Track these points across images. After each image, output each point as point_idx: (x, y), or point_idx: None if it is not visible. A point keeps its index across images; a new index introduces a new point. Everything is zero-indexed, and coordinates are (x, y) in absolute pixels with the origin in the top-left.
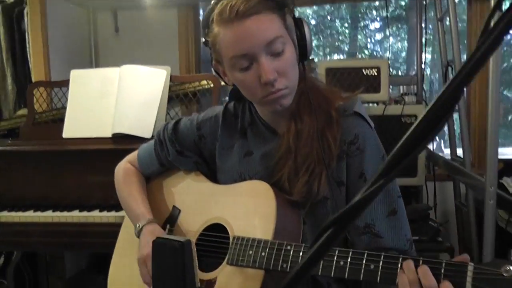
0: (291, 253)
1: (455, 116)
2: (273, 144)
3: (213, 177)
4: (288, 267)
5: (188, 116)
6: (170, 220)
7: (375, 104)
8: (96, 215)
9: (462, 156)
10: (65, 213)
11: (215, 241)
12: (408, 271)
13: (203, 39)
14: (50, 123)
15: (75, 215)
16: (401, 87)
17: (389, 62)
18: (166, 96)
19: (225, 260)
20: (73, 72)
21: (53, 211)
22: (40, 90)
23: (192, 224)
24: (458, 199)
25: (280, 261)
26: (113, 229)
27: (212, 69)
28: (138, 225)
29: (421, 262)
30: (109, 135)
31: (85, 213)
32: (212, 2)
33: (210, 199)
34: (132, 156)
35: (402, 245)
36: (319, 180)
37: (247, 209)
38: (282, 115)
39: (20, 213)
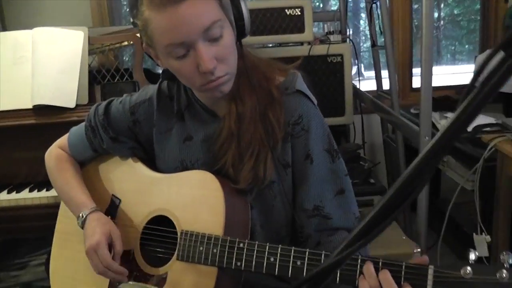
0: (245, 251)
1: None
2: (213, 127)
3: (151, 162)
4: (243, 266)
5: (119, 97)
6: (110, 210)
7: (300, 45)
8: (28, 197)
9: (388, 89)
10: None
11: (161, 235)
12: (369, 277)
13: (131, 20)
14: None
15: (3, 199)
16: (325, 25)
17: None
18: (87, 60)
19: (175, 255)
20: None
21: None
22: None
23: (134, 216)
24: (385, 133)
25: (234, 259)
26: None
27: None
28: (81, 214)
29: (380, 264)
30: (30, 106)
31: (14, 195)
32: None
33: (151, 188)
34: (62, 141)
35: (350, 224)
36: (264, 165)
37: (193, 201)
38: (221, 97)
39: None
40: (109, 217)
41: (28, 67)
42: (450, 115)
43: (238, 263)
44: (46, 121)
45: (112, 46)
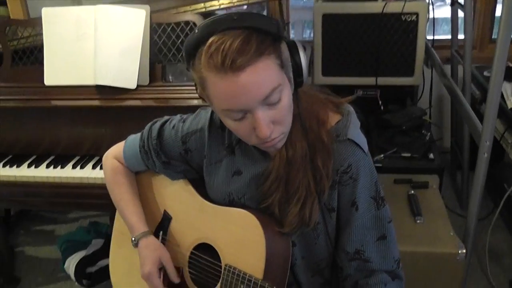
0: None
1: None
2: (263, 166)
3: (201, 185)
4: None
5: (172, 117)
6: (162, 226)
7: (375, 0)
8: (90, 177)
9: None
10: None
11: (207, 262)
12: None
13: (187, 66)
14: (29, 66)
15: (71, 176)
16: None
17: None
18: (148, 40)
19: (218, 285)
20: (44, 10)
21: (46, 167)
22: (12, 29)
23: (183, 238)
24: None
25: None
26: None
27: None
28: (133, 238)
29: None
30: (92, 83)
31: (79, 172)
32: (197, 29)
33: (201, 215)
34: (118, 151)
35: (389, 267)
36: (310, 211)
37: (237, 240)
38: None
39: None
40: (161, 233)
41: (90, 44)
42: None
43: None
44: (107, 104)
45: (174, 25)
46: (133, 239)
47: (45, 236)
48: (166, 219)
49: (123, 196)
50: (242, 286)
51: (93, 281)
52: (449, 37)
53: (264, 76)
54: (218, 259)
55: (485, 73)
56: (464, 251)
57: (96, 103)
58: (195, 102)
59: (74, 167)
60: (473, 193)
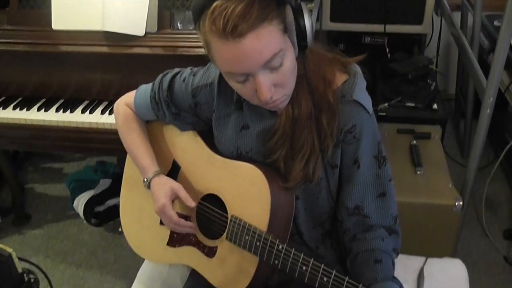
0: (282, 254)
1: None
2: (270, 122)
3: (210, 138)
4: (279, 265)
5: (182, 69)
6: (171, 174)
7: None
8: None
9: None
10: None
11: (214, 212)
12: None
13: (194, 27)
14: (36, 9)
15: (80, 121)
16: None
17: None
18: None
19: (224, 234)
20: None
21: (56, 111)
22: None
23: (192, 188)
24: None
25: (272, 257)
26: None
27: None
28: (145, 179)
29: None
30: (100, 28)
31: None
32: None
33: (209, 167)
34: (129, 99)
35: (387, 223)
36: (314, 167)
37: (244, 193)
38: None
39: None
40: None
41: None
42: None
43: (276, 262)
44: (115, 51)
45: None
46: (145, 179)
47: (53, 174)
48: (175, 168)
49: (135, 141)
50: (247, 237)
51: (101, 220)
52: None
53: (266, 42)
54: (225, 210)
55: (496, 23)
56: (461, 203)
57: (104, 49)
58: (203, 51)
59: (83, 111)
60: (474, 146)
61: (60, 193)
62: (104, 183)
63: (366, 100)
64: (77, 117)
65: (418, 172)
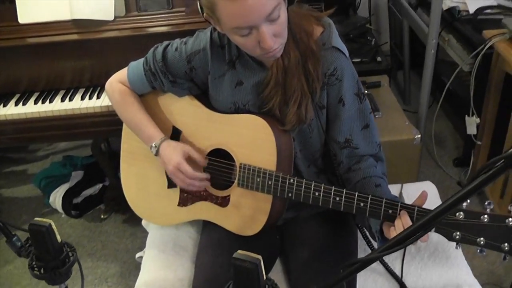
0: (295, 186)
1: None
2: (261, 75)
3: (205, 99)
4: (293, 196)
5: (171, 41)
6: (173, 139)
7: None
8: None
9: None
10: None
11: (221, 165)
12: (406, 224)
13: None
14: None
15: (61, 108)
16: None
17: None
18: None
19: (235, 182)
20: None
21: (35, 103)
22: None
23: (196, 147)
24: (391, 1)
25: (286, 191)
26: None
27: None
28: (153, 144)
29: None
30: (69, 18)
31: (67, 104)
32: None
33: (209, 125)
34: (122, 75)
35: (373, 150)
36: (306, 109)
37: (249, 141)
38: None
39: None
40: None
41: None
42: None
43: (289, 194)
44: (87, 37)
45: None
46: (153, 145)
47: (18, 177)
48: (176, 133)
49: (135, 114)
50: (258, 180)
51: (80, 211)
52: None
53: None
54: (231, 161)
55: None
56: (419, 136)
57: (75, 37)
58: (169, 28)
59: (62, 100)
60: (423, 85)
61: (30, 194)
62: (77, 175)
63: (343, 46)
64: (58, 106)
65: (377, 116)
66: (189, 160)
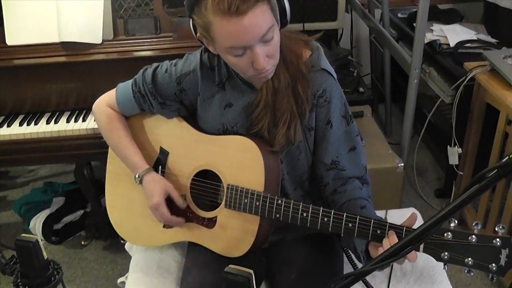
0: (282, 206)
1: None
2: (251, 96)
3: (193, 120)
4: (281, 217)
5: (160, 63)
6: (160, 162)
7: None
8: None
9: None
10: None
11: (208, 186)
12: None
13: (188, 14)
14: None
15: (46, 130)
16: None
17: None
18: None
19: (223, 203)
20: None
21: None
22: None
23: (183, 168)
24: (372, 34)
25: (274, 212)
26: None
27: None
28: (137, 175)
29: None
30: (57, 40)
31: (53, 126)
32: None
33: (197, 145)
34: (110, 98)
35: (360, 172)
36: (294, 131)
37: (237, 162)
38: None
39: None
40: (160, 167)
41: (51, 3)
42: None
43: (277, 215)
44: (74, 59)
45: None
46: (137, 176)
47: None
48: (163, 154)
49: (121, 140)
50: (246, 200)
51: (61, 237)
52: None
53: (262, 18)
54: (219, 182)
55: (399, 15)
56: (402, 164)
57: (62, 59)
58: (156, 52)
59: (48, 122)
60: (406, 114)
61: (9, 220)
62: (58, 201)
63: (331, 68)
64: (44, 128)
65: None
66: (176, 179)
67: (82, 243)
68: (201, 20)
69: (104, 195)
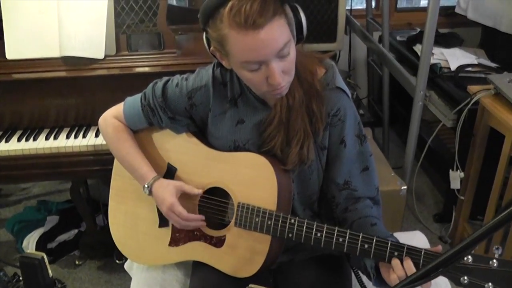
0: (295, 226)
1: None
2: (264, 113)
3: (203, 136)
4: (294, 237)
5: (171, 77)
6: (167, 176)
7: None
8: (68, 145)
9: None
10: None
11: (219, 203)
12: (409, 269)
13: (202, 27)
14: None
15: (45, 146)
16: None
17: None
18: (112, 11)
19: (232, 222)
20: None
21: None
22: None
23: (191, 184)
24: (370, 56)
25: (286, 231)
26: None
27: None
28: (146, 185)
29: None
30: (58, 55)
31: (53, 142)
32: None
33: (207, 163)
34: (118, 111)
35: (372, 193)
36: (307, 150)
37: (249, 179)
38: None
39: None
40: None
41: (53, 17)
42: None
43: (290, 235)
44: (76, 74)
45: None
46: (146, 186)
47: None
48: (171, 170)
49: (129, 151)
50: (257, 219)
51: (54, 256)
52: (362, 7)
53: (278, 32)
54: (227, 199)
55: (398, 38)
56: (405, 187)
57: (63, 74)
58: (159, 69)
59: (47, 138)
60: (409, 136)
61: (1, 239)
62: (52, 220)
63: (345, 87)
64: (43, 144)
65: None
66: (184, 196)
67: (76, 262)
68: (216, 33)
69: (100, 214)
